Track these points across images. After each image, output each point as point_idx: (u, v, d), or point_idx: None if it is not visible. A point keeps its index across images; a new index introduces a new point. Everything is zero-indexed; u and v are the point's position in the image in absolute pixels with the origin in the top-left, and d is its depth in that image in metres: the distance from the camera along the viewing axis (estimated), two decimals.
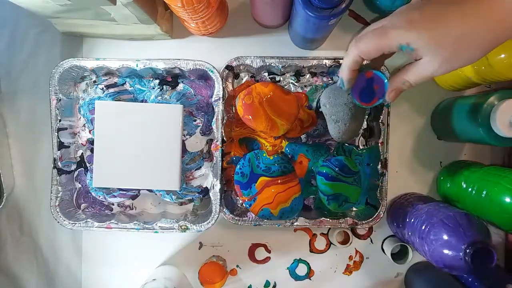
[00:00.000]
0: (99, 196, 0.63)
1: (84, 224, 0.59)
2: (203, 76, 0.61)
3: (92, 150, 0.62)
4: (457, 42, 0.35)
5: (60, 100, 0.59)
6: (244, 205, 0.60)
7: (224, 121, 0.58)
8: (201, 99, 0.62)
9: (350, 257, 0.65)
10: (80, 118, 0.63)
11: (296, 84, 0.62)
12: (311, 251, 0.65)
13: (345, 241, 0.63)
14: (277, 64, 0.58)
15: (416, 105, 0.63)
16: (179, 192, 0.62)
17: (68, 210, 0.60)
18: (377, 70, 0.44)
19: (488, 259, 0.44)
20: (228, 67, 0.59)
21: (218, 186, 0.58)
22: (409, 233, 0.55)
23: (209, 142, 0.63)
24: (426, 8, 0.36)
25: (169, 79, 0.62)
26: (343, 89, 0.44)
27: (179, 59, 0.58)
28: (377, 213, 0.59)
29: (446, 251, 0.46)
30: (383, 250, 0.64)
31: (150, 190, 0.63)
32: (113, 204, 0.64)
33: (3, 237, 0.64)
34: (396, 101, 0.59)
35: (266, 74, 0.62)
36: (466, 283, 0.57)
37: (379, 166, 0.59)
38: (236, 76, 0.62)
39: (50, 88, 0.58)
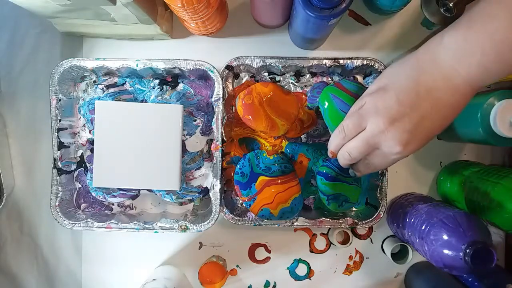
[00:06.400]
0: (99, 196, 0.63)
1: (84, 224, 0.59)
2: (203, 76, 0.61)
3: (92, 150, 0.62)
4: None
5: (60, 100, 0.59)
6: (244, 205, 0.60)
7: (224, 121, 0.58)
8: (201, 99, 0.62)
9: (350, 257, 0.65)
10: (80, 118, 0.63)
11: (296, 84, 0.62)
12: (311, 251, 0.65)
13: (345, 241, 0.63)
14: (277, 64, 0.58)
15: None
16: (179, 192, 0.62)
17: (68, 210, 0.60)
18: None
19: (488, 259, 0.44)
20: (228, 67, 0.59)
21: (218, 186, 0.58)
22: (409, 233, 0.55)
23: (209, 142, 0.63)
24: (411, 126, 0.40)
25: (169, 79, 0.62)
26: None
27: (179, 59, 0.58)
28: (377, 213, 0.59)
29: (446, 251, 0.46)
30: (383, 250, 0.64)
31: (150, 190, 0.63)
32: (113, 204, 0.64)
33: (3, 237, 0.64)
34: None
35: (266, 74, 0.62)
36: (466, 283, 0.57)
37: None
38: (236, 76, 0.62)
39: (50, 88, 0.58)
